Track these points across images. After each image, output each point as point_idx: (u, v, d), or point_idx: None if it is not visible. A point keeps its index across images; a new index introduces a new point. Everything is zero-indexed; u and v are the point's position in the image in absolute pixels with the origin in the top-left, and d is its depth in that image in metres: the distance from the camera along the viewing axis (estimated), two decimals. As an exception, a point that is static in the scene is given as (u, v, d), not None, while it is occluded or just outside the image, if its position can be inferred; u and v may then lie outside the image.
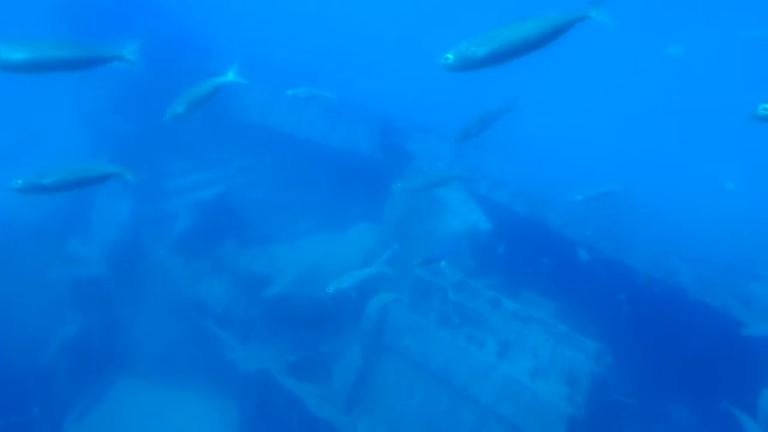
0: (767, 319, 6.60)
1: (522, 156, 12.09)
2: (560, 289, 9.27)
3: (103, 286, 10.31)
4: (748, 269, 8.55)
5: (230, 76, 5.34)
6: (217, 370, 10.02)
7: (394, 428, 8.44)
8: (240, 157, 12.57)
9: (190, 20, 13.12)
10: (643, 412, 7.58)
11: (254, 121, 11.83)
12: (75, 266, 10.47)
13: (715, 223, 10.14)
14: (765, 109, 3.27)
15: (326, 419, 8.76)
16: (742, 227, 9.86)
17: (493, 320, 8.61)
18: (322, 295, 10.38)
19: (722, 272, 8.47)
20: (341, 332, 9.80)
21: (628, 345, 8.06)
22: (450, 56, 3.20)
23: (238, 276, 10.57)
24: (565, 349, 7.93)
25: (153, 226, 10.95)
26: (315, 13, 22.75)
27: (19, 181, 4.24)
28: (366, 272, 7.78)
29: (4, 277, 9.94)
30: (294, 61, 13.73)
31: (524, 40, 3.10)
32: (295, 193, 12.41)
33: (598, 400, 7.32)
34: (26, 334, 9.79)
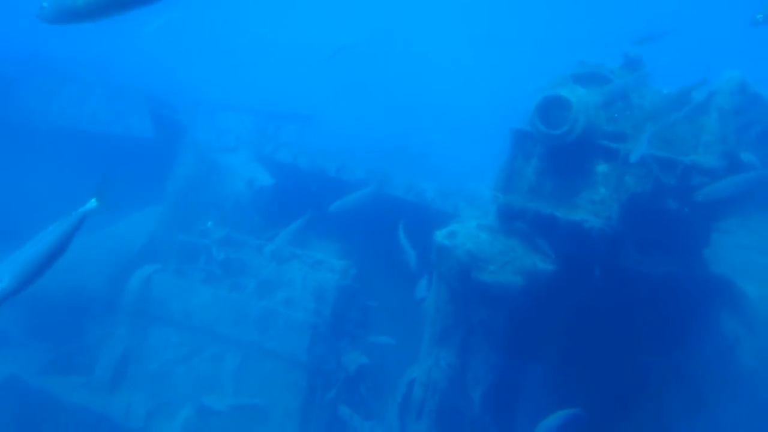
0: None
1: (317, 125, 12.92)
2: (341, 229, 9.75)
3: None
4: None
5: None
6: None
7: (157, 394, 7.93)
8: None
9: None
10: (387, 312, 8.03)
11: (31, 120, 11.01)
12: None
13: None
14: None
15: (86, 406, 7.98)
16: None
17: (254, 265, 8.66)
18: (86, 285, 9.71)
19: (453, 183, 9.52)
20: (108, 316, 9.13)
21: (383, 258, 8.65)
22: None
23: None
24: (316, 273, 8.21)
25: None
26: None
27: None
28: None
29: None
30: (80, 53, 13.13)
31: None
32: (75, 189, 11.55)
33: (341, 308, 7.65)
34: None
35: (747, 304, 6.30)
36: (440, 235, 5.63)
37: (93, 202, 3.79)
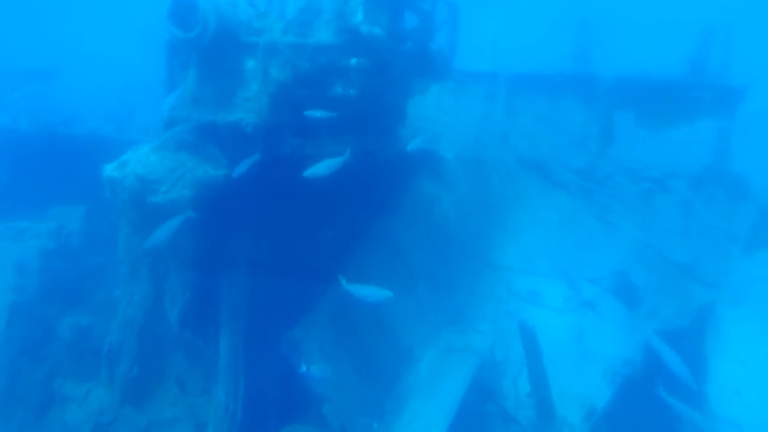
0: None
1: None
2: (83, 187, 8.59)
3: None
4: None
5: None
6: None
7: None
8: None
9: None
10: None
11: None
12: None
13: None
14: None
15: None
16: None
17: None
18: None
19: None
20: None
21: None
22: None
23: None
24: (18, 245, 7.09)
25: None
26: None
27: None
28: None
29: None
30: None
31: None
32: None
33: (51, 275, 6.78)
34: None
35: (446, 168, 7.20)
36: (109, 168, 5.15)
37: None
